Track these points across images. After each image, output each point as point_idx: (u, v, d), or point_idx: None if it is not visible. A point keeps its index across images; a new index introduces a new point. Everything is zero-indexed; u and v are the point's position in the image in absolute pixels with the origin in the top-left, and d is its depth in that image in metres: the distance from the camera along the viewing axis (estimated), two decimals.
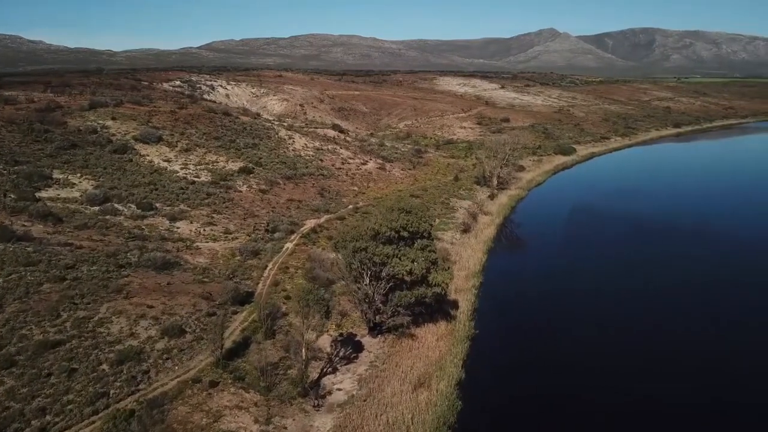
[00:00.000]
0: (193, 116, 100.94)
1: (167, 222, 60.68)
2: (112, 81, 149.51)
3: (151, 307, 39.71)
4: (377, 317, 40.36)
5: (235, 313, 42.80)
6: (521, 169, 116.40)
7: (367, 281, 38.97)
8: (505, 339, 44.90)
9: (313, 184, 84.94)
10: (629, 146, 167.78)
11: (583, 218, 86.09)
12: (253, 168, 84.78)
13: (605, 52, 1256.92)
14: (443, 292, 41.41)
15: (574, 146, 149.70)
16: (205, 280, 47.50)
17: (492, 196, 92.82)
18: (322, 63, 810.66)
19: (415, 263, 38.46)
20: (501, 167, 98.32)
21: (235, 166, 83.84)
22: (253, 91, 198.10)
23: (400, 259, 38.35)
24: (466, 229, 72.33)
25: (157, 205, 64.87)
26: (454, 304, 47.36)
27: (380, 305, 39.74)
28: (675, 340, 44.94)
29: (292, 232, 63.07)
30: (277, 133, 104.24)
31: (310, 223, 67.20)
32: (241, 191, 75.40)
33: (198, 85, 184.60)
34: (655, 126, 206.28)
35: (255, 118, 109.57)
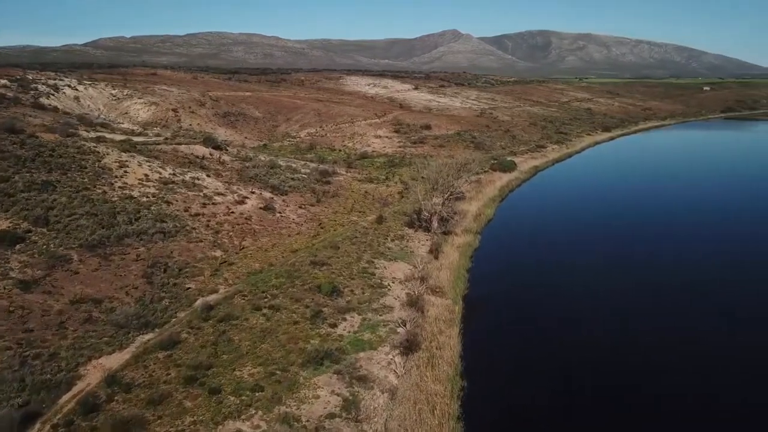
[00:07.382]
0: None
1: None
2: None
3: None
4: None
5: None
6: (461, 197, 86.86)
7: None
8: None
9: (140, 254, 49.05)
10: (569, 155, 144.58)
11: (567, 279, 57.28)
12: (29, 231, 47.61)
13: (505, 53, 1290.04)
14: None
15: (512, 159, 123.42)
16: None
17: (435, 251, 61.65)
18: (221, 62, 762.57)
19: None
20: (443, 204, 67.68)
21: None
22: (113, 92, 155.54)
23: None
24: (410, 342, 40.01)
25: None
26: None
27: None
28: None
29: (35, 416, 27.68)
30: (100, 160, 66.37)
31: (96, 373, 31.97)
32: None
33: (33, 85, 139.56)
34: (586, 130, 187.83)
35: (66, 137, 70.57)
